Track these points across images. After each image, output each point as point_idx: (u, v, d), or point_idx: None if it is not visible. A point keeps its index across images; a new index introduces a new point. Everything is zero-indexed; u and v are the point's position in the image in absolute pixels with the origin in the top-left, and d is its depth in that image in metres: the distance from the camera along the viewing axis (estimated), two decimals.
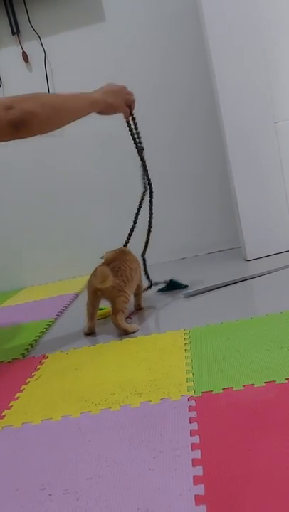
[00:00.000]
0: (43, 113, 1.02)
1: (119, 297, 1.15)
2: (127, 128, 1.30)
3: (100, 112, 1.18)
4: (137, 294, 1.30)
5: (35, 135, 1.04)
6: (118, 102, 1.21)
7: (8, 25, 1.82)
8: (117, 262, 1.19)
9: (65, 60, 1.86)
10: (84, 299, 1.22)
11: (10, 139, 1.01)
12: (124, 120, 1.29)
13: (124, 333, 1.15)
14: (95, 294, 1.17)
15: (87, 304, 1.20)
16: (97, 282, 1.12)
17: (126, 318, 1.18)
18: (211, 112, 1.75)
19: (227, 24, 1.51)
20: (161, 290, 1.44)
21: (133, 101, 1.28)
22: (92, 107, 1.15)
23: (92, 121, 1.90)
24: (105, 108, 1.18)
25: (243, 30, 1.51)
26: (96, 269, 1.14)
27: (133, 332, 1.15)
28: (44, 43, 1.83)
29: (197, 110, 1.85)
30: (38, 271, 2.05)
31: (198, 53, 1.76)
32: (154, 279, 1.40)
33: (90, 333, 1.21)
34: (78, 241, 1.99)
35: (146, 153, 1.91)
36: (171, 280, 1.44)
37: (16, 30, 1.82)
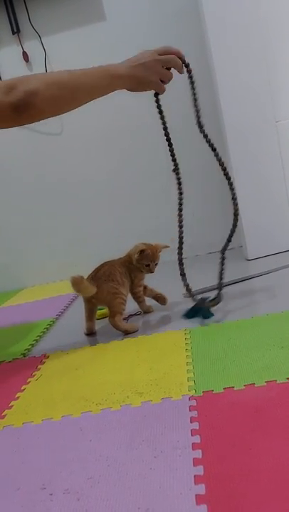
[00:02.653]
0: (47, 93, 0.92)
1: (115, 299, 1.15)
2: (157, 110, 1.11)
3: (129, 89, 1.03)
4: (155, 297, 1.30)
5: (43, 118, 0.94)
6: (151, 78, 1.03)
7: (9, 25, 1.82)
8: (107, 267, 1.19)
9: (66, 59, 1.85)
10: (80, 308, 1.23)
11: (14, 125, 0.93)
12: (154, 99, 1.09)
13: (125, 333, 1.15)
14: (89, 301, 1.18)
15: (85, 311, 1.21)
16: (74, 290, 1.12)
17: (123, 319, 1.18)
18: (212, 111, 1.75)
19: (227, 23, 1.51)
20: (186, 315, 1.21)
21: (170, 77, 1.08)
22: (115, 83, 1.00)
23: (93, 122, 1.91)
24: (134, 84, 1.02)
25: (244, 29, 1.51)
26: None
27: (133, 332, 1.15)
28: (44, 42, 1.83)
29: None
30: (39, 271, 2.05)
31: (198, 52, 1.75)
32: (156, 283, 1.37)
33: (90, 333, 1.20)
34: (79, 241, 1.99)
35: (145, 153, 1.92)
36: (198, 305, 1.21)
37: (16, 30, 1.82)
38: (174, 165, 1.18)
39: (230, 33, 1.52)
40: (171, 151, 1.14)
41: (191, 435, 0.66)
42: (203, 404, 0.74)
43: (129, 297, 1.24)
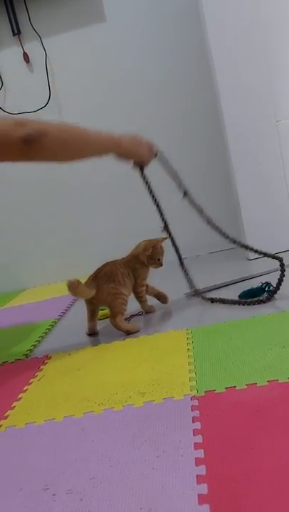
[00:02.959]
0: (58, 136, 0.98)
1: (116, 300, 1.15)
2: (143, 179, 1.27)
3: (119, 156, 1.13)
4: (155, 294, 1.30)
5: (50, 160, 1.00)
6: (142, 155, 1.18)
7: (9, 26, 1.82)
8: (108, 267, 1.19)
9: (66, 60, 1.86)
10: (82, 308, 1.23)
11: (22, 159, 0.97)
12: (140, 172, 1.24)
13: (127, 333, 1.15)
14: (90, 302, 1.18)
15: (87, 311, 1.21)
16: (71, 293, 1.12)
17: (125, 319, 1.18)
18: (212, 111, 1.75)
19: (228, 23, 1.51)
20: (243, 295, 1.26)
21: (151, 160, 1.24)
22: (116, 150, 1.10)
23: (92, 122, 1.91)
24: (127, 156, 1.14)
25: (244, 29, 1.51)
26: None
27: (135, 332, 1.15)
28: (45, 43, 1.83)
29: (198, 109, 1.85)
30: (41, 272, 2.05)
31: (199, 52, 1.76)
32: (158, 283, 1.37)
33: (92, 333, 1.21)
34: (79, 242, 1.99)
35: None
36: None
37: (16, 31, 1.82)
38: (164, 224, 1.29)
39: (230, 34, 1.52)
40: (160, 212, 1.17)
41: (193, 435, 0.66)
42: (205, 404, 0.74)
43: (131, 297, 1.24)
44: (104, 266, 1.19)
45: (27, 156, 0.96)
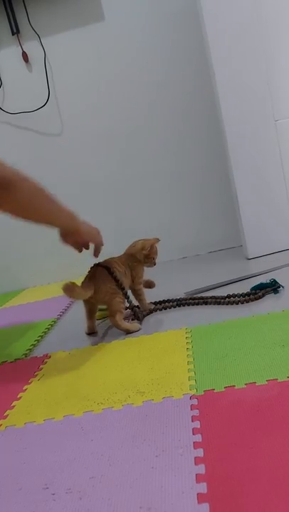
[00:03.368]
0: (26, 193, 0.95)
1: (114, 299, 1.15)
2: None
3: (65, 234, 1.10)
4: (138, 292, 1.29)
5: (6, 211, 0.94)
6: (93, 234, 1.17)
7: (8, 26, 1.82)
8: (105, 266, 1.18)
9: (65, 59, 1.86)
10: (80, 308, 1.23)
11: None
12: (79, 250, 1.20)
13: (126, 332, 1.15)
14: (88, 301, 1.18)
15: (85, 310, 1.21)
16: (67, 296, 1.11)
17: (124, 319, 1.18)
18: (211, 111, 1.75)
19: (227, 23, 1.51)
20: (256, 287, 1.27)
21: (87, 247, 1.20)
22: (70, 220, 1.07)
23: (92, 123, 1.91)
24: (81, 231, 1.11)
25: (243, 29, 1.51)
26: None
27: (135, 331, 1.15)
28: (44, 42, 1.83)
29: (197, 109, 1.85)
30: (40, 271, 2.05)
31: (198, 52, 1.76)
32: (157, 282, 1.37)
33: (91, 332, 1.21)
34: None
35: (145, 153, 1.92)
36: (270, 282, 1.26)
37: (15, 31, 1.82)
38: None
39: (229, 33, 1.52)
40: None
41: (193, 434, 0.67)
42: (205, 403, 0.74)
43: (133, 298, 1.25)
44: (99, 264, 1.19)
45: None
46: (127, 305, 1.21)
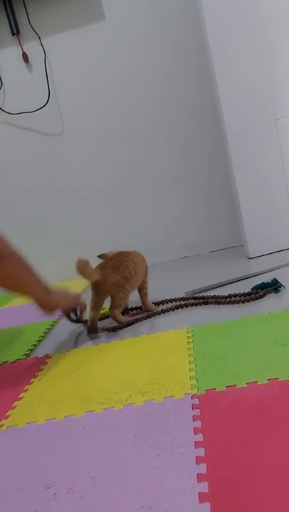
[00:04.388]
0: (13, 268, 1.02)
1: (118, 293, 1.18)
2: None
3: (41, 305, 1.11)
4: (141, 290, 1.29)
5: None
6: (65, 300, 1.18)
7: (8, 26, 1.82)
8: (120, 258, 1.20)
9: (66, 59, 1.86)
10: (87, 298, 1.23)
11: None
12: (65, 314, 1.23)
13: (121, 325, 1.18)
14: (96, 290, 1.19)
15: (91, 299, 1.21)
16: (78, 273, 1.13)
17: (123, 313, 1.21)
18: (212, 110, 1.75)
19: (227, 22, 1.51)
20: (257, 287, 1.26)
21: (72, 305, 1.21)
22: (43, 290, 1.10)
23: (93, 123, 1.91)
24: (45, 308, 1.11)
25: (243, 28, 1.51)
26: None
27: (127, 323, 1.19)
28: (44, 43, 1.83)
29: (198, 109, 1.84)
30: (41, 271, 2.05)
31: (198, 51, 1.76)
32: (159, 282, 1.37)
33: (93, 325, 1.20)
34: (80, 241, 1.99)
35: (146, 153, 1.92)
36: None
37: (15, 31, 1.82)
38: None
39: (229, 32, 1.52)
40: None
41: (194, 433, 0.67)
42: (206, 403, 0.74)
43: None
44: (114, 256, 1.20)
45: None
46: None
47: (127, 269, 1.18)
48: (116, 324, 1.20)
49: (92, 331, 1.20)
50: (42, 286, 1.09)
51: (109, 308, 1.20)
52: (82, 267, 1.12)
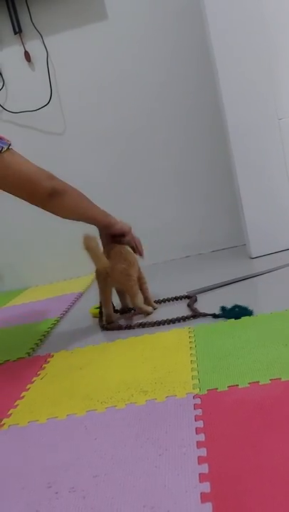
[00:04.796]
0: (75, 198, 1.16)
1: (129, 281, 1.18)
2: None
3: (102, 228, 1.25)
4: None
5: (58, 214, 1.14)
6: (127, 227, 1.29)
7: (11, 25, 1.82)
8: (117, 247, 1.21)
9: (68, 58, 1.86)
10: (88, 297, 1.23)
11: (40, 205, 1.11)
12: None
13: (145, 313, 1.22)
14: (105, 280, 1.20)
15: (100, 294, 1.22)
16: (85, 248, 1.15)
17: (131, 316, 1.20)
18: (214, 109, 1.75)
19: (230, 21, 1.51)
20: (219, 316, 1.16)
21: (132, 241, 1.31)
22: (104, 218, 1.24)
23: (95, 122, 1.91)
24: (108, 229, 1.24)
25: (246, 27, 1.51)
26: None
27: (150, 312, 1.22)
28: (46, 42, 1.83)
29: (200, 107, 1.84)
30: (43, 270, 2.06)
31: (201, 50, 1.76)
32: (160, 281, 1.38)
33: (110, 322, 1.21)
34: (80, 240, 1.99)
35: (148, 152, 1.92)
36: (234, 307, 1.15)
37: (18, 30, 1.82)
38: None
39: (232, 31, 1.51)
40: None
41: (196, 433, 0.67)
42: (208, 403, 0.74)
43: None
44: (113, 246, 1.21)
45: (44, 205, 1.11)
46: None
47: (128, 258, 1.20)
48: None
49: (110, 322, 1.21)
50: (102, 212, 1.23)
51: (130, 299, 1.22)
52: (88, 242, 1.13)
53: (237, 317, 1.09)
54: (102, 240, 1.24)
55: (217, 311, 1.14)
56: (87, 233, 1.15)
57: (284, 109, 1.57)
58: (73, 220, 1.19)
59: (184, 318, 1.16)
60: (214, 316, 1.13)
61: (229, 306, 1.14)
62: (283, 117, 1.57)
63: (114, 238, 1.24)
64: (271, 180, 1.60)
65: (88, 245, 1.13)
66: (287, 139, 1.58)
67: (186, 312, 1.22)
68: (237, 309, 1.12)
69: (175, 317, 1.16)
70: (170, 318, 1.16)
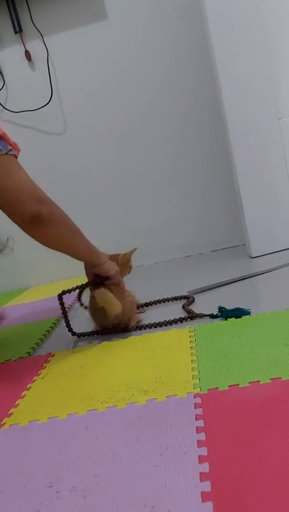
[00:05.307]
0: (61, 230, 1.03)
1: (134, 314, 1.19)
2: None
3: (91, 264, 1.14)
4: None
5: (38, 241, 1.03)
6: (113, 271, 1.15)
7: (11, 24, 1.82)
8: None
9: (68, 58, 1.86)
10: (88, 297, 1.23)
11: (20, 226, 1.00)
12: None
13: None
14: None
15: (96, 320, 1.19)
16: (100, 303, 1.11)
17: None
18: (214, 109, 1.75)
19: (229, 20, 1.51)
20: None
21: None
22: (89, 257, 1.13)
23: (95, 122, 1.91)
24: (98, 266, 1.13)
25: (246, 26, 1.51)
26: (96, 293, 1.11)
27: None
28: (47, 41, 1.83)
29: (200, 107, 1.84)
30: (44, 270, 2.06)
31: (201, 49, 1.76)
32: (160, 281, 1.38)
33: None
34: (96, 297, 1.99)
35: (148, 151, 1.92)
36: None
37: (18, 29, 1.82)
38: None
39: (232, 30, 1.51)
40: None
41: (197, 433, 0.67)
42: (208, 402, 0.74)
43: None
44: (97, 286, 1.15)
45: (23, 228, 0.99)
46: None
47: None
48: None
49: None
50: (89, 249, 1.11)
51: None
52: (103, 297, 1.09)
53: (237, 316, 1.09)
54: (86, 273, 1.18)
55: (217, 311, 1.14)
56: (99, 290, 1.10)
57: (284, 108, 1.57)
58: (55, 250, 1.08)
59: (181, 320, 1.15)
60: (212, 316, 1.13)
61: (228, 306, 1.14)
62: (283, 117, 1.57)
63: (98, 277, 1.15)
64: (271, 180, 1.60)
65: (104, 300, 1.10)
66: (288, 139, 1.58)
67: (185, 313, 1.22)
68: (235, 310, 1.11)
69: (172, 319, 1.16)
70: (167, 319, 1.16)
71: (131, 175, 1.94)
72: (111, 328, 1.16)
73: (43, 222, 0.97)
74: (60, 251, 1.07)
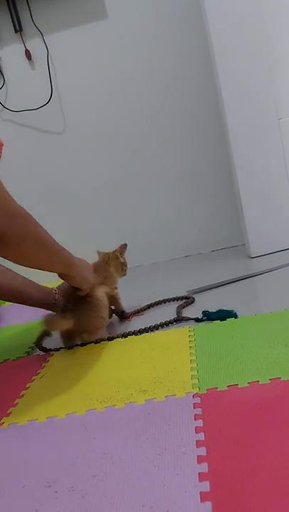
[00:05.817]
0: (29, 249, 0.93)
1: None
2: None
3: (64, 275, 1.09)
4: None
5: (4, 257, 0.92)
6: (89, 277, 1.12)
7: (11, 23, 1.82)
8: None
9: (68, 57, 1.86)
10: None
11: None
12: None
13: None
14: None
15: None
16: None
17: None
18: (215, 109, 1.75)
19: (230, 20, 1.51)
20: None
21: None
22: (65, 270, 1.06)
23: (95, 122, 1.91)
24: (71, 279, 1.09)
25: (246, 27, 1.51)
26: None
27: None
28: (47, 40, 1.83)
29: (200, 107, 1.84)
30: (42, 270, 2.05)
31: (201, 50, 1.75)
32: (160, 281, 1.37)
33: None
34: (80, 240, 1.99)
35: (147, 152, 1.91)
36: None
37: (18, 28, 1.81)
38: None
39: (232, 30, 1.51)
40: None
41: (195, 432, 0.67)
42: (207, 402, 0.74)
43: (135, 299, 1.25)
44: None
45: None
46: None
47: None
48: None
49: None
50: (64, 261, 1.04)
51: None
52: (50, 324, 1.08)
53: (222, 318, 1.09)
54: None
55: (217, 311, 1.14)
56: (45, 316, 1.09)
57: (284, 109, 1.57)
58: (24, 265, 1.00)
59: (167, 324, 1.14)
60: (197, 320, 1.13)
61: (228, 306, 1.13)
62: (283, 117, 1.57)
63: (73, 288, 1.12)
64: (271, 180, 1.60)
65: (51, 326, 1.10)
66: (287, 139, 1.58)
67: (187, 309, 1.22)
68: (220, 312, 1.11)
69: (158, 323, 1.15)
70: (153, 324, 1.14)
71: (131, 175, 1.94)
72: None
73: (7, 243, 0.85)
74: (30, 267, 0.99)
